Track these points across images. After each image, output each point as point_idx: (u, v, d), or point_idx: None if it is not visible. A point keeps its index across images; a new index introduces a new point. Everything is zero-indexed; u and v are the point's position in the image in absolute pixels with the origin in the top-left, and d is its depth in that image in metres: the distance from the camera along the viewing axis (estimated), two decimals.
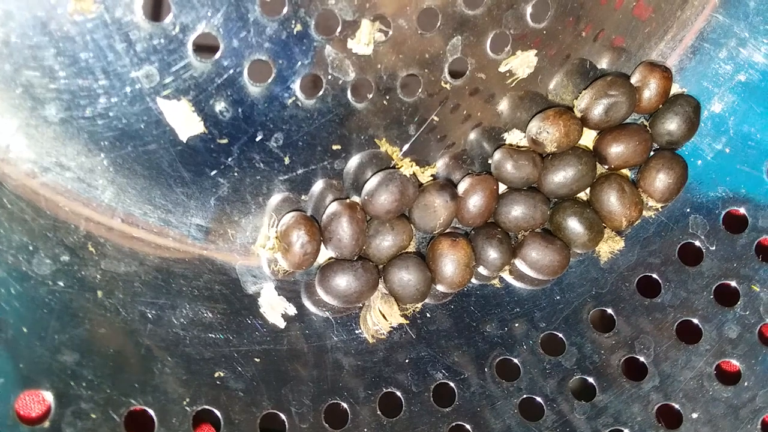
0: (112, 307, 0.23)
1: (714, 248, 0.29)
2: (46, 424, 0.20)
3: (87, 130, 0.22)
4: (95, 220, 0.23)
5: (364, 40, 0.24)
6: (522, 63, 0.27)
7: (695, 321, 0.29)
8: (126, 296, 0.23)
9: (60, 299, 0.22)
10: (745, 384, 0.28)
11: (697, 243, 0.29)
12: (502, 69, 0.26)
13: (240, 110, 0.23)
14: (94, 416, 0.21)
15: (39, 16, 0.20)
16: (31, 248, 0.22)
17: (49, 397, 0.21)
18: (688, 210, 0.30)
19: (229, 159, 0.24)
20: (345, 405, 0.26)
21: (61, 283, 0.22)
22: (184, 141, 0.23)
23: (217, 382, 0.24)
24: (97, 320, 0.22)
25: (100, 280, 0.23)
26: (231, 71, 0.23)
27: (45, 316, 0.21)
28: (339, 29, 0.23)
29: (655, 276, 0.29)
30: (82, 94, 0.21)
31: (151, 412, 0.22)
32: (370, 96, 0.25)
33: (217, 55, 0.22)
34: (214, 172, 0.24)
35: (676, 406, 0.28)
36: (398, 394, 0.27)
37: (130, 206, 0.23)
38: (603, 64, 0.29)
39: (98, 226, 0.23)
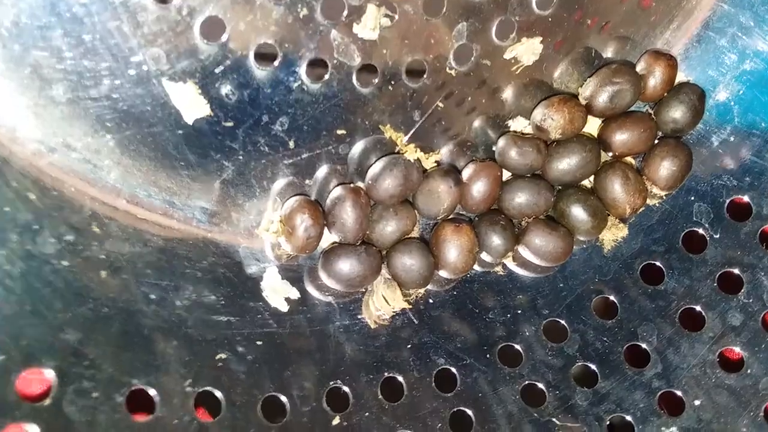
0: (116, 287, 0.23)
1: (718, 236, 0.29)
2: (48, 401, 0.21)
3: (93, 111, 0.22)
4: (100, 200, 0.23)
5: (370, 25, 0.24)
6: (527, 50, 0.27)
7: (698, 308, 0.29)
8: (130, 277, 0.23)
9: (64, 278, 0.22)
10: (749, 371, 0.28)
11: (701, 231, 0.29)
12: (507, 56, 0.27)
13: (246, 93, 0.24)
14: (95, 395, 0.21)
15: None
16: (36, 227, 0.22)
17: (50, 375, 0.21)
18: (693, 198, 0.30)
19: (234, 142, 0.24)
20: (347, 389, 0.26)
21: (65, 263, 0.22)
22: (190, 123, 0.23)
23: (219, 364, 0.24)
24: (101, 300, 0.22)
25: (105, 260, 0.23)
26: (237, 54, 0.23)
27: (48, 294, 0.21)
28: (345, 14, 0.23)
29: (658, 263, 0.29)
30: (88, 75, 0.21)
31: (152, 392, 0.23)
32: (376, 81, 0.25)
33: (224, 38, 0.22)
34: (219, 155, 0.24)
35: (679, 393, 0.28)
36: (400, 378, 0.27)
37: (135, 187, 0.24)
38: (608, 52, 0.29)
39: (103, 207, 0.23)
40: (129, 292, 0.23)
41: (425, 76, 0.26)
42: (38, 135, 0.22)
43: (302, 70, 0.24)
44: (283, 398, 0.25)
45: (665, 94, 0.29)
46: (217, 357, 0.24)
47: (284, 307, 0.26)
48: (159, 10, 0.21)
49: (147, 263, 0.24)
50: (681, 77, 0.29)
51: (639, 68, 0.29)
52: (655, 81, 0.28)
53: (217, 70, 0.23)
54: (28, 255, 0.21)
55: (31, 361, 0.21)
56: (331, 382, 0.26)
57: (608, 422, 0.27)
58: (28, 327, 0.21)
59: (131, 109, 0.22)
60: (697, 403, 0.28)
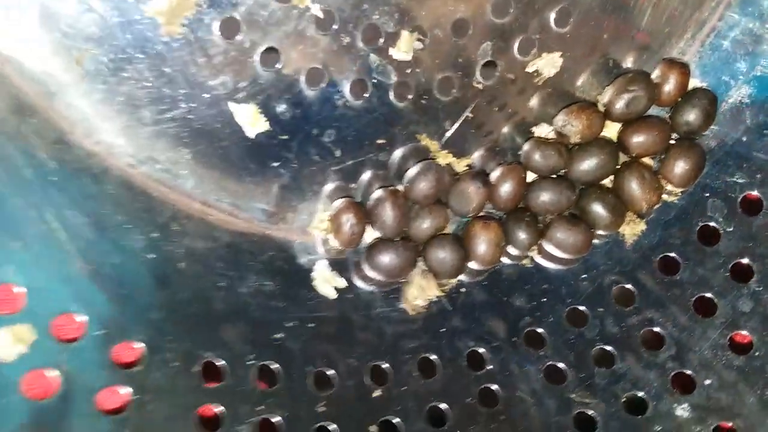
0: (192, 276, 0.26)
1: (731, 229, 0.31)
2: (138, 368, 0.25)
3: (173, 130, 0.26)
4: (179, 204, 0.27)
5: (404, 48, 0.27)
6: (548, 64, 0.29)
7: (711, 296, 0.30)
8: (203, 268, 0.27)
9: (150, 268, 0.26)
10: (757, 354, 0.29)
11: (715, 225, 0.31)
12: (530, 69, 0.29)
13: (298, 111, 0.27)
14: (177, 364, 0.25)
15: (136, 37, 0.24)
16: (128, 226, 0.25)
17: (140, 346, 0.25)
18: (707, 195, 0.31)
19: (289, 152, 0.27)
20: (387, 365, 0.29)
21: (152, 255, 0.26)
22: (252, 137, 0.27)
23: (277, 342, 0.28)
24: (180, 286, 0.26)
25: (183, 254, 0.26)
26: (290, 78, 0.26)
27: (138, 280, 0.25)
28: (382, 40, 0.26)
29: (674, 255, 0.31)
30: (168, 100, 0.25)
31: (222, 363, 0.26)
32: (410, 96, 0.28)
33: (279, 65, 0.26)
34: (276, 164, 0.27)
35: (691, 373, 0.30)
36: (434, 358, 0.30)
37: (207, 193, 0.27)
38: (626, 63, 0.31)
39: (181, 209, 0.27)
40: (202, 281, 0.27)
41: (454, 90, 0.28)
42: (130, 150, 0.25)
43: (346, 89, 0.27)
44: (331, 372, 0.28)
45: (679, 99, 0.31)
46: (276, 336, 0.28)
47: (333, 295, 0.29)
48: (226, 45, 0.25)
49: (217, 257, 0.27)
50: (695, 83, 0.31)
51: (654, 76, 0.30)
52: (669, 87, 0.30)
53: (273, 92, 0.26)
54: (122, 249, 0.25)
55: (125, 334, 0.25)
56: (373, 360, 0.29)
57: (624, 399, 0.30)
58: (122, 307, 0.25)
59: (204, 128, 0.26)
60: (707, 382, 0.29)
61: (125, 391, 0.25)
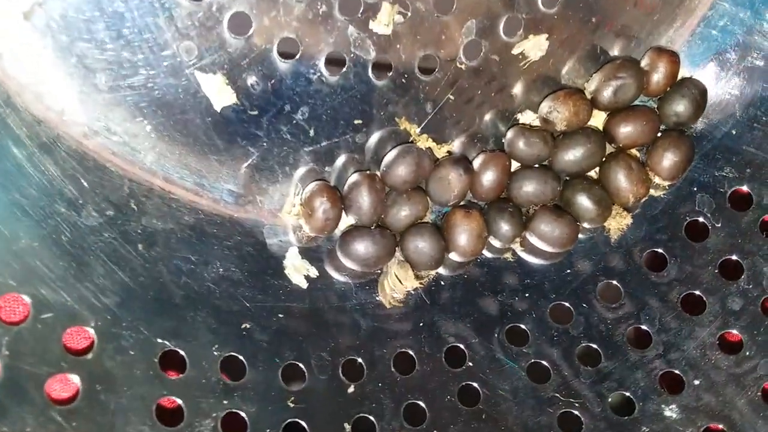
0: (151, 259, 0.25)
1: (719, 225, 0.30)
2: (90, 356, 0.23)
3: (131, 98, 0.24)
4: (138, 180, 0.25)
5: (384, 21, 0.26)
6: (534, 46, 0.28)
7: (699, 294, 0.29)
8: (164, 250, 0.25)
9: (105, 248, 0.24)
10: (747, 353, 0.28)
11: (703, 220, 0.30)
12: (515, 52, 0.28)
13: (269, 84, 0.26)
14: (132, 353, 0.24)
15: None
16: (80, 202, 0.24)
17: (92, 333, 0.23)
18: (695, 189, 0.30)
19: (259, 130, 0.26)
20: (361, 360, 0.28)
21: (106, 234, 0.24)
22: (218, 111, 0.25)
23: (244, 333, 0.26)
24: (138, 269, 0.25)
25: (141, 234, 0.25)
26: (262, 48, 0.25)
27: (91, 261, 0.24)
28: (361, 10, 0.25)
29: (661, 251, 0.30)
30: (127, 65, 0.24)
31: (183, 353, 0.25)
32: (390, 74, 0.27)
33: (249, 32, 0.24)
34: (244, 142, 0.26)
35: (679, 373, 0.29)
36: (411, 353, 0.28)
37: (169, 170, 0.26)
38: (614, 50, 0.30)
39: (140, 187, 0.25)
40: (162, 264, 0.25)
41: (436, 70, 0.27)
42: (83, 119, 0.24)
43: (321, 63, 0.26)
44: (302, 366, 0.27)
45: (668, 89, 0.30)
46: (242, 326, 0.26)
47: (304, 285, 0.28)
48: (191, 6, 0.23)
49: (179, 239, 0.26)
50: (684, 73, 0.30)
51: (643, 64, 0.30)
52: (658, 76, 0.29)
53: (243, 62, 0.25)
54: (74, 226, 0.24)
55: (75, 320, 0.23)
56: (347, 355, 0.27)
57: (610, 399, 0.29)
58: (73, 289, 0.23)
59: (165, 97, 0.24)
60: (696, 382, 0.28)
61: (76, 380, 0.23)
